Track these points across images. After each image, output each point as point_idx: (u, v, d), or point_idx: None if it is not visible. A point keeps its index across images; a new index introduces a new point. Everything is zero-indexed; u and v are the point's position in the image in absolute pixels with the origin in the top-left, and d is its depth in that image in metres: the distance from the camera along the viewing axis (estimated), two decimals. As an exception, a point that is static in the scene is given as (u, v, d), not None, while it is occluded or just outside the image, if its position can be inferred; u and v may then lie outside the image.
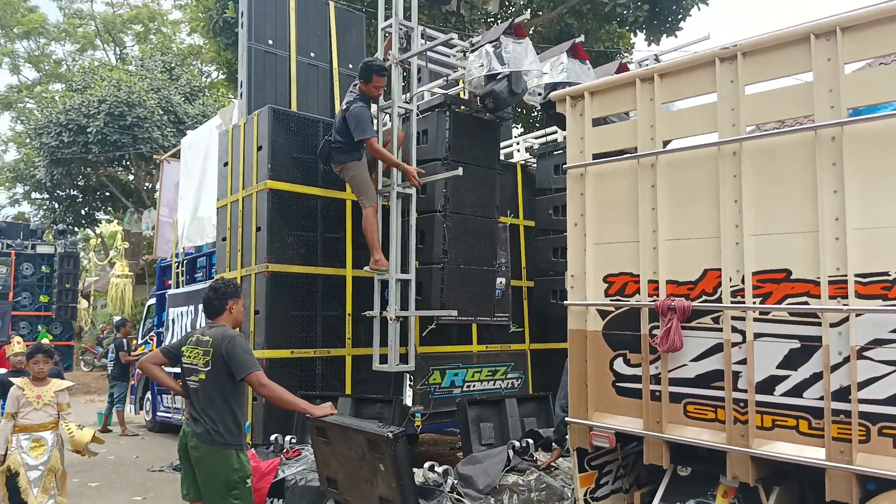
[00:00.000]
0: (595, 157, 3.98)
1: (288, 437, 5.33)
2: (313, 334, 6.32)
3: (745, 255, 3.34)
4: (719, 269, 3.43)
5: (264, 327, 6.05)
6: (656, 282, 3.64)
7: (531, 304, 7.84)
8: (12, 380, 5.39)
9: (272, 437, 5.35)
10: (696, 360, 3.49)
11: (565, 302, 4.06)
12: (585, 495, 3.95)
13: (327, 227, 6.56)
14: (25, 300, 16.58)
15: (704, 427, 3.45)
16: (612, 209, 3.89)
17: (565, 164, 4.13)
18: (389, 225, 5.96)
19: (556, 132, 8.72)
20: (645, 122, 3.74)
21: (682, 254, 3.58)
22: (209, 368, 4.10)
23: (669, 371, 3.56)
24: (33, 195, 25.73)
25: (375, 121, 6.30)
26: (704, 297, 3.48)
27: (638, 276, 3.72)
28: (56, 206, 23.61)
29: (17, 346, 6.69)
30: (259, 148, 6.40)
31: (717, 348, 3.43)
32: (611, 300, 3.84)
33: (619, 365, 3.78)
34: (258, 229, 6.28)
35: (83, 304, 21.39)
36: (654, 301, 3.61)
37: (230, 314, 4.31)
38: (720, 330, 3.41)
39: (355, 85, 6.01)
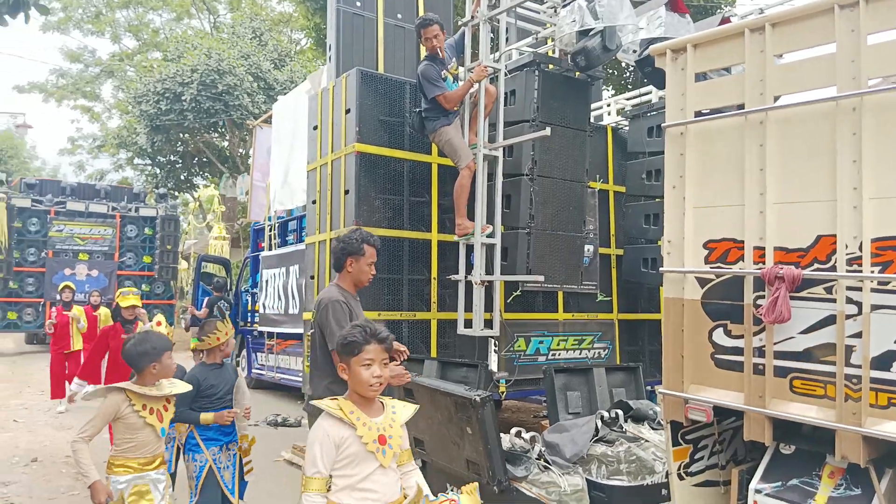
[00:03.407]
0: (696, 115, 3.74)
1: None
2: (400, 297, 6.36)
3: (864, 220, 3.06)
4: (834, 236, 3.17)
5: (353, 290, 6.12)
6: (763, 248, 3.40)
7: (620, 273, 7.62)
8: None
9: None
10: (804, 332, 3.26)
11: (661, 269, 3.87)
12: (679, 469, 3.81)
13: (413, 190, 6.55)
14: (130, 260, 17.64)
15: (812, 403, 3.23)
16: (715, 170, 3.65)
17: (662, 124, 3.91)
18: (476, 188, 5.87)
19: (650, 93, 8.35)
20: (754, 76, 3.47)
21: (792, 218, 3.33)
22: (312, 330, 4.17)
23: (775, 343, 3.34)
24: (136, 161, 27.13)
25: (456, 80, 6.18)
26: (816, 266, 3.23)
27: (742, 241, 3.50)
28: (157, 171, 24.83)
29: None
30: (347, 111, 6.42)
31: (828, 320, 3.18)
32: (711, 267, 3.63)
33: (719, 336, 3.58)
34: (346, 192, 6.33)
35: (183, 265, 22.47)
36: (759, 269, 3.38)
37: (348, 273, 4.06)
38: (833, 301, 3.16)
39: None
